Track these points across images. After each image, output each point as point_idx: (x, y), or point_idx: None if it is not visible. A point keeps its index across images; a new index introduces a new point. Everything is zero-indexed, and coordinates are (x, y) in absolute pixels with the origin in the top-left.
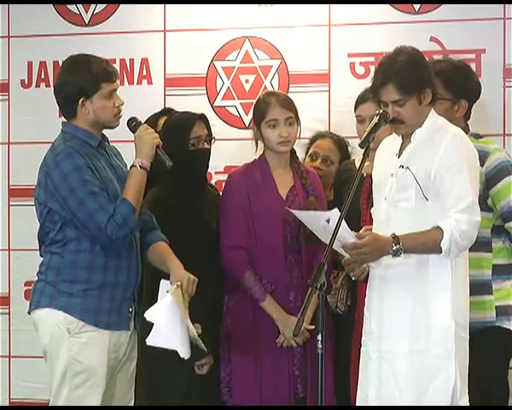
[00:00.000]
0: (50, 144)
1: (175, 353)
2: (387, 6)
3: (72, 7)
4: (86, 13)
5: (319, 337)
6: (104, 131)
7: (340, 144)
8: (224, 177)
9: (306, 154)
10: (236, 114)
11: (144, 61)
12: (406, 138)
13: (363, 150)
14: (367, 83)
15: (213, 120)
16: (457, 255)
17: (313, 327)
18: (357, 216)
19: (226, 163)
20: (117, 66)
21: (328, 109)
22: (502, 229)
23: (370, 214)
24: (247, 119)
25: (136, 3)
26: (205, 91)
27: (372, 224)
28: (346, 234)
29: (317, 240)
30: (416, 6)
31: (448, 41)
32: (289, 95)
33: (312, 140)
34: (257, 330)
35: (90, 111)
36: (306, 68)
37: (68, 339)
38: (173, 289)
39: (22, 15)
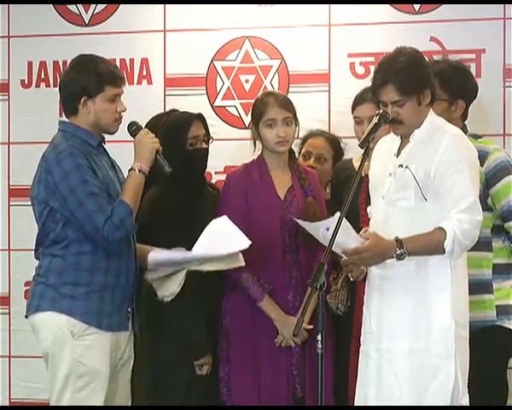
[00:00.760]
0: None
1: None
2: (387, 6)
3: (72, 7)
4: (86, 13)
5: (319, 337)
6: None
7: (333, 141)
8: (224, 177)
9: (299, 153)
10: (236, 114)
11: (144, 61)
12: (405, 138)
13: (357, 147)
14: (367, 83)
15: (213, 120)
16: (460, 255)
17: (312, 327)
18: (356, 217)
19: (226, 163)
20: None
21: (328, 109)
22: (502, 228)
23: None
24: (247, 119)
25: (136, 3)
26: (205, 91)
27: None
28: (347, 238)
29: (316, 240)
30: (416, 6)
31: (448, 41)
32: (289, 95)
33: (304, 139)
34: (255, 330)
35: (91, 111)
36: (306, 68)
37: (72, 342)
38: None
39: (22, 15)
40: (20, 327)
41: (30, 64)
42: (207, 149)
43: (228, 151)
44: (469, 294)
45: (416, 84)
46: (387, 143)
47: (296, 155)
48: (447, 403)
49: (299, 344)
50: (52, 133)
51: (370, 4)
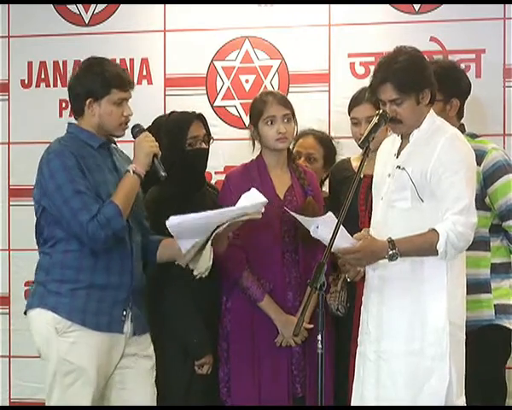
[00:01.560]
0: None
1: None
2: (387, 6)
3: (72, 7)
4: (86, 13)
5: (319, 337)
6: None
7: (323, 140)
8: (224, 177)
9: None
10: (236, 114)
11: (144, 61)
12: (405, 139)
13: (357, 148)
14: (367, 83)
15: (213, 119)
16: (455, 257)
17: (312, 326)
18: (355, 218)
19: (226, 163)
20: None
21: (328, 109)
22: (500, 228)
23: (369, 216)
24: (247, 119)
25: (136, 3)
26: (205, 91)
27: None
28: (340, 239)
29: (315, 240)
30: (416, 6)
31: (448, 41)
32: (289, 95)
33: (295, 139)
34: (255, 330)
35: (96, 114)
36: (306, 68)
37: (57, 339)
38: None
39: (22, 15)
40: (20, 327)
41: (30, 64)
42: (207, 149)
43: (228, 151)
44: (467, 294)
45: (414, 83)
46: (390, 143)
47: None
48: (441, 404)
49: (299, 344)
50: (52, 133)
51: (370, 4)
